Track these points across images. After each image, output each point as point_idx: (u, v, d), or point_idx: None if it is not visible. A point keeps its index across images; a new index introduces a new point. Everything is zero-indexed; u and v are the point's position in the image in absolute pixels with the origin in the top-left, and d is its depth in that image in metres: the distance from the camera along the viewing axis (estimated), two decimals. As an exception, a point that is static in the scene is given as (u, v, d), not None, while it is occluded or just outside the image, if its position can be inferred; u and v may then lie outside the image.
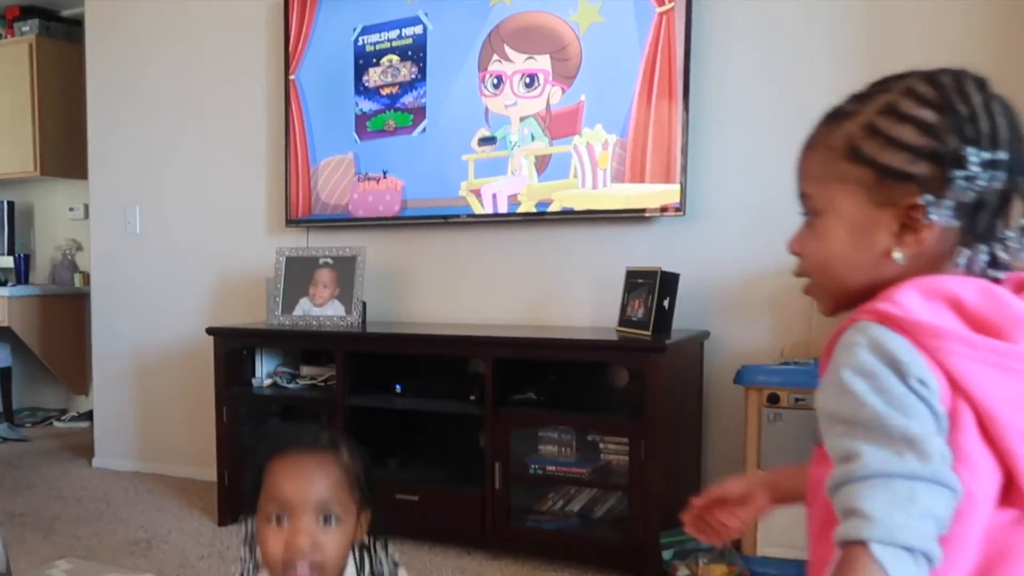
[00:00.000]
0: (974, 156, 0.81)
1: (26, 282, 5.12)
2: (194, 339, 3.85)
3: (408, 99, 3.41)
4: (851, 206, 0.86)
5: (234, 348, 3.38)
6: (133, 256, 4.16)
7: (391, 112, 3.45)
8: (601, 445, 2.87)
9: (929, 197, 0.82)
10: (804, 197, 0.90)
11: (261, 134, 3.82)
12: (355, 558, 1.33)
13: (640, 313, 2.81)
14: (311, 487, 1.23)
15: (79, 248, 5.20)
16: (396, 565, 1.39)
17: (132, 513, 3.46)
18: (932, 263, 0.85)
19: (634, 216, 3.06)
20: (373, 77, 3.48)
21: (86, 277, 4.86)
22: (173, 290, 4.06)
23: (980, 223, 0.83)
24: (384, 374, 3.19)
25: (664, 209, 2.98)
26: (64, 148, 4.92)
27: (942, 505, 0.75)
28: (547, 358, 2.89)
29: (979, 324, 0.81)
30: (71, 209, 5.29)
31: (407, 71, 3.41)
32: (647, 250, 3.07)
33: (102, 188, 4.24)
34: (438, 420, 3.20)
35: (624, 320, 2.91)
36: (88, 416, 4.86)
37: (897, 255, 0.85)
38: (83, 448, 4.48)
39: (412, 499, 2.99)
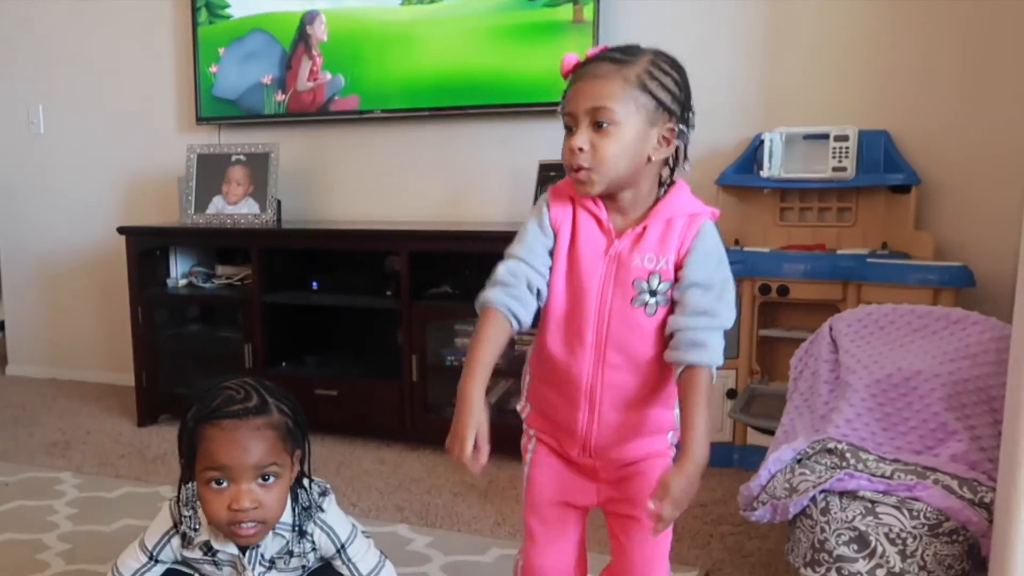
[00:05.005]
0: (693, 115, 1.28)
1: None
2: (105, 241, 3.75)
3: None
4: (637, 122, 1.23)
5: (147, 248, 3.32)
6: (38, 157, 4.01)
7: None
8: (516, 336, 2.91)
9: (682, 127, 1.26)
10: (602, 110, 1.22)
11: (168, 26, 3.67)
12: (291, 495, 1.39)
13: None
14: (247, 455, 1.27)
15: (-18, 151, 4.97)
16: (323, 493, 1.45)
17: (49, 417, 3.43)
18: (659, 169, 1.29)
19: (549, 110, 3.05)
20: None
21: (-9, 181, 4.67)
22: (82, 192, 3.93)
23: (681, 152, 1.30)
24: (300, 271, 3.17)
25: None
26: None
27: None
28: (461, 250, 2.90)
29: None
30: (-29, 110, 5.05)
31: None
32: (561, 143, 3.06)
33: (1, 87, 4.05)
34: (355, 315, 3.21)
35: (538, 213, 2.92)
36: None
37: (655, 158, 1.26)
38: (-4, 356, 4.39)
39: (331, 394, 3.02)
